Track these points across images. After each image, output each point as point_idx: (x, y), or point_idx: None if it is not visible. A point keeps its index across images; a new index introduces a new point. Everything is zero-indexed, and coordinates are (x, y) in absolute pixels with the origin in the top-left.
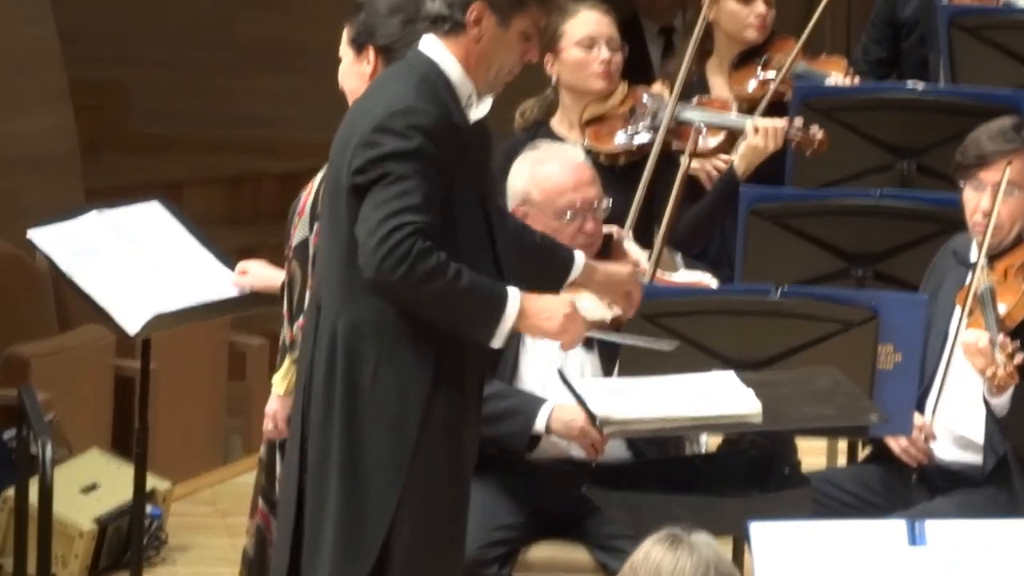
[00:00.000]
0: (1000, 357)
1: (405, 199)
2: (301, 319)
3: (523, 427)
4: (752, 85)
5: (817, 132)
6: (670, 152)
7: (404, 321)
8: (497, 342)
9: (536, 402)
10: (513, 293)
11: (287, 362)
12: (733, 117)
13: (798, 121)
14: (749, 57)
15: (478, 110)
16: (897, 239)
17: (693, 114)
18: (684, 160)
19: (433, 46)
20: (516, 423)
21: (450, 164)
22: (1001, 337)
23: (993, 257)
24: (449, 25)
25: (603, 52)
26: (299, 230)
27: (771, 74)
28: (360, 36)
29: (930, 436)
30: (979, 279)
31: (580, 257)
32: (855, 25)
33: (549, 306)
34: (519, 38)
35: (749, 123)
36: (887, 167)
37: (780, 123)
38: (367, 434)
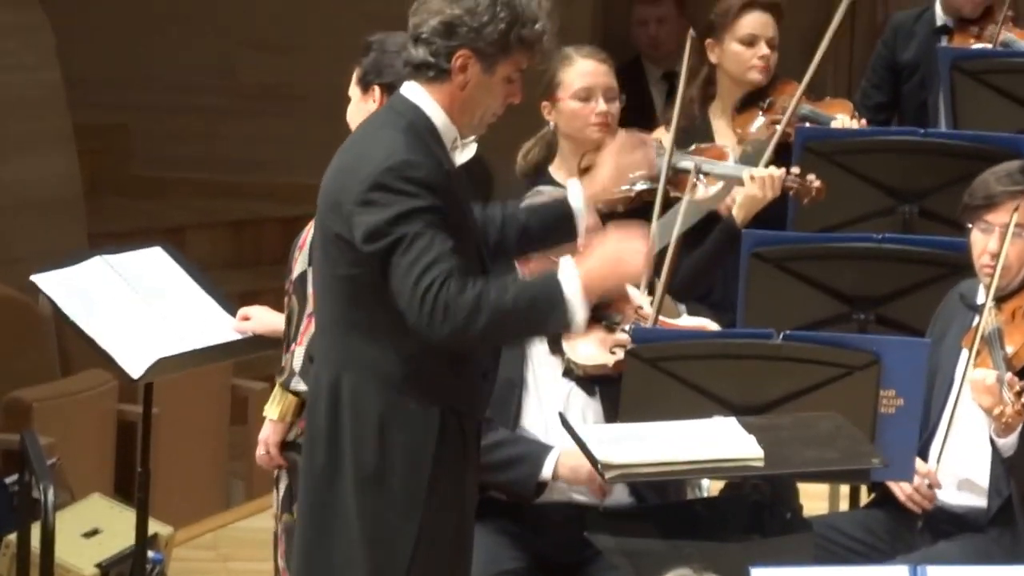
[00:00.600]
0: (1008, 396)
1: (425, 257)
2: (293, 345)
3: (530, 474)
4: (756, 128)
5: (814, 181)
6: (668, 200)
7: (406, 372)
8: (580, 320)
9: (543, 449)
10: (565, 265)
11: (277, 387)
12: (731, 166)
13: (795, 169)
14: (752, 100)
15: (463, 154)
16: (899, 283)
17: (691, 163)
18: (683, 207)
19: (416, 92)
20: (523, 470)
21: (449, 211)
22: (1009, 375)
23: (1001, 299)
24: (434, 72)
25: (600, 104)
26: (299, 264)
27: (775, 117)
28: (367, 75)
29: (935, 484)
30: (986, 320)
31: (574, 196)
32: (856, 70)
33: (599, 259)
34: (503, 82)
35: (746, 172)
36: (889, 211)
37: (777, 173)
38: (381, 485)
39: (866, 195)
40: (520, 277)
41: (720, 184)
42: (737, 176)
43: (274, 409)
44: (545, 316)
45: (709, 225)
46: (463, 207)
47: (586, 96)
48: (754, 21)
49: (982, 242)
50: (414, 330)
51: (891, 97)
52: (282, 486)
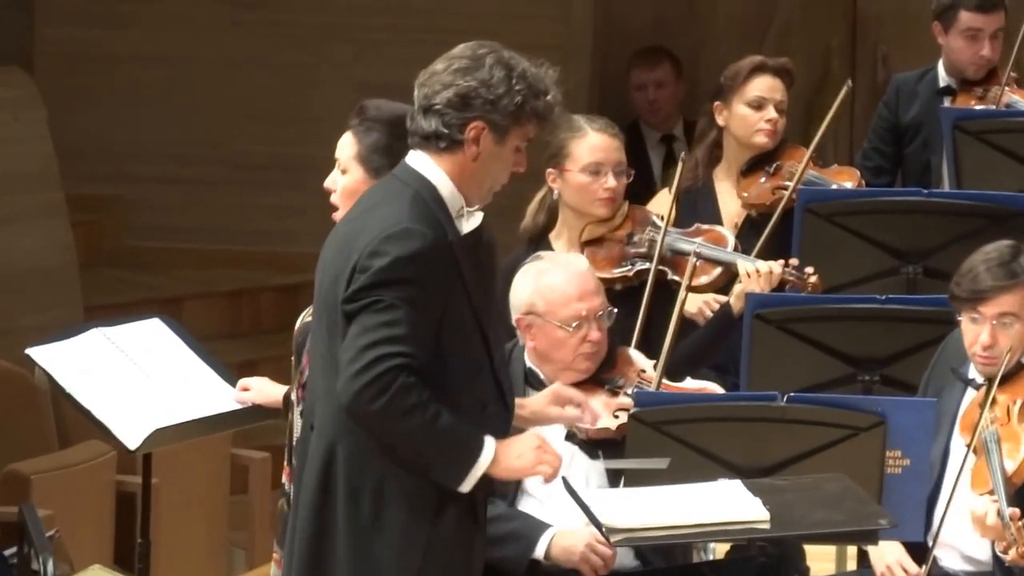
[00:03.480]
0: (1013, 534)
1: (393, 329)
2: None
3: (523, 552)
4: (760, 191)
5: (811, 276)
6: (665, 280)
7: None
8: (466, 487)
9: (539, 527)
10: (489, 441)
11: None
12: (728, 253)
13: (794, 260)
14: (758, 164)
15: (469, 222)
16: (903, 343)
17: (690, 247)
18: (682, 292)
19: (423, 162)
20: (517, 547)
21: (445, 287)
22: (1011, 510)
23: (1000, 381)
24: (445, 143)
25: (609, 180)
26: None
27: (780, 182)
28: (373, 159)
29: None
30: (984, 425)
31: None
32: (857, 128)
33: (518, 446)
34: (512, 152)
35: (742, 265)
36: (893, 271)
37: (776, 268)
38: (369, 558)
39: (869, 256)
40: (454, 421)
41: (718, 270)
42: (733, 263)
43: None
44: (448, 464)
45: None
46: (467, 276)
47: (596, 171)
48: (763, 84)
49: (973, 333)
50: (338, 384)
51: (893, 160)
52: None
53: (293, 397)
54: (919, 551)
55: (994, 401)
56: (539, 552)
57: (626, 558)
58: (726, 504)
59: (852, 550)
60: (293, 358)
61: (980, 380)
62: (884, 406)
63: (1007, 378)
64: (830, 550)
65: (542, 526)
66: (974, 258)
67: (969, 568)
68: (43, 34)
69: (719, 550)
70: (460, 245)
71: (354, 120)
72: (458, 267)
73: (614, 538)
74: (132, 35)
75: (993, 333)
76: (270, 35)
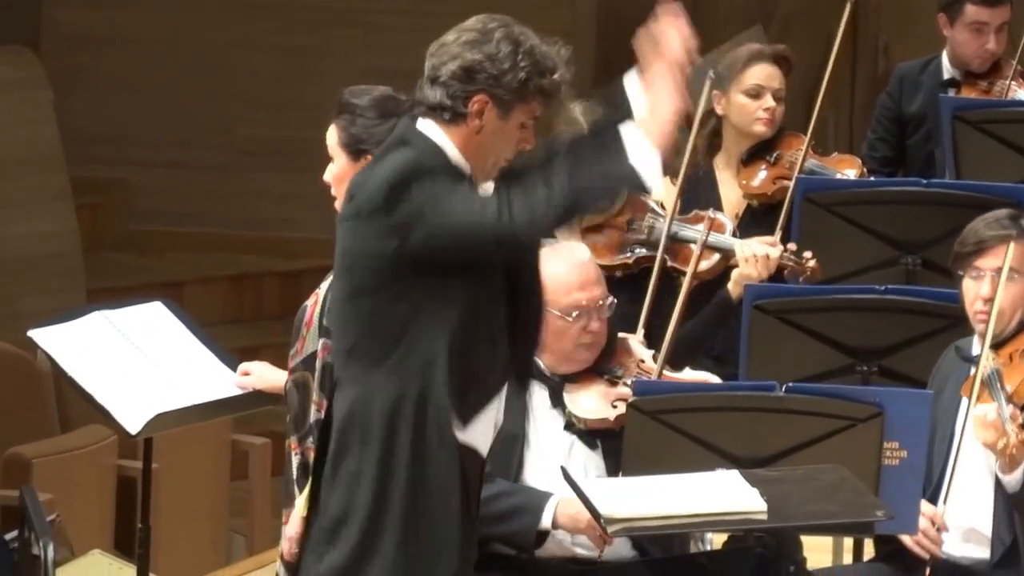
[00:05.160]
0: (1011, 428)
1: (471, 199)
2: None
3: (530, 524)
4: (761, 181)
5: (810, 260)
6: (664, 267)
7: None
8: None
9: (542, 497)
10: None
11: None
12: (727, 239)
13: (792, 246)
14: (759, 153)
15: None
16: (902, 335)
17: (689, 234)
18: (686, 281)
19: (431, 129)
20: (523, 520)
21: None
22: (1011, 408)
23: (996, 346)
24: (449, 115)
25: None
26: (308, 343)
27: (780, 171)
28: (355, 142)
29: (942, 527)
30: (984, 365)
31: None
32: (858, 118)
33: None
34: (517, 128)
35: (739, 250)
36: (892, 262)
37: (774, 253)
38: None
39: (868, 246)
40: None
41: (716, 256)
42: (731, 248)
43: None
44: (618, 183)
45: (706, 296)
46: None
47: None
48: (760, 73)
49: (974, 289)
50: (504, 239)
51: (897, 150)
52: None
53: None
54: None
55: (996, 355)
56: (546, 522)
57: (624, 548)
58: (723, 495)
59: (848, 542)
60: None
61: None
62: (882, 397)
63: (1008, 339)
64: (827, 541)
65: (545, 496)
66: (974, 221)
67: (972, 553)
68: (50, 15)
69: (716, 540)
70: None
71: (335, 110)
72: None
73: (612, 528)
74: (138, 18)
75: (994, 285)
76: (276, 20)
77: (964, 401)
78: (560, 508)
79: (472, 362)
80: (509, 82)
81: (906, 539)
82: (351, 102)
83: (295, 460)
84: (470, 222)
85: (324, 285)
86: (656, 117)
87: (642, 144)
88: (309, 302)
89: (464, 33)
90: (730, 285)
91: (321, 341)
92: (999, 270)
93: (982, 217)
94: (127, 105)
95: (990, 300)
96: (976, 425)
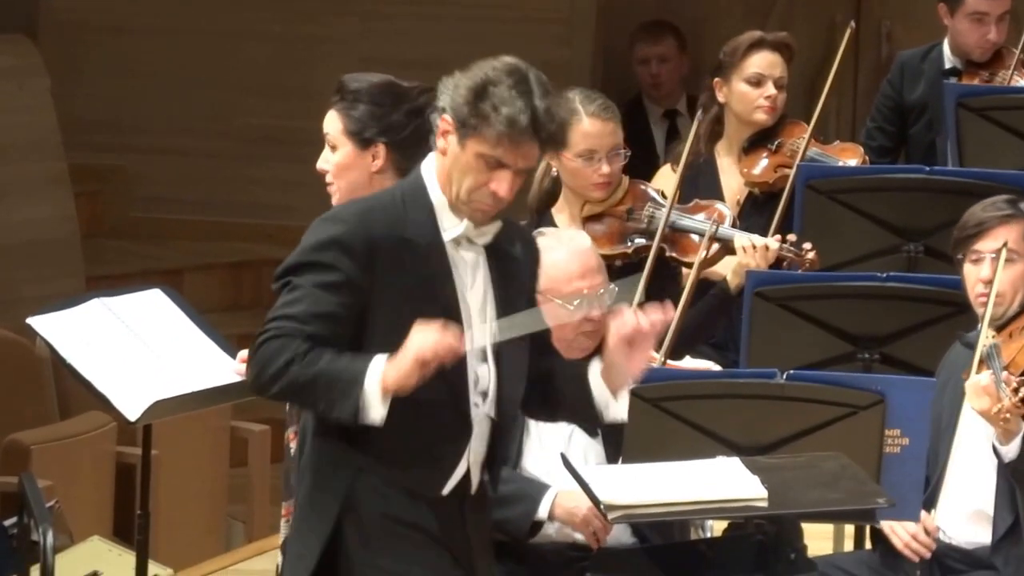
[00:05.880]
0: (1006, 392)
1: (286, 308)
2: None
3: (526, 513)
4: (760, 170)
5: (809, 252)
6: (664, 257)
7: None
8: (375, 417)
9: (540, 488)
10: (371, 367)
11: None
12: (727, 229)
13: (792, 236)
14: (760, 141)
15: (454, 230)
16: (904, 322)
17: (689, 223)
18: (693, 271)
19: (428, 163)
20: (519, 508)
21: (367, 283)
22: (1005, 374)
23: (998, 328)
24: (432, 136)
25: (603, 166)
26: None
27: (781, 159)
28: (364, 130)
29: (932, 532)
30: (983, 342)
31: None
32: (861, 106)
33: (402, 357)
34: (477, 161)
35: (738, 240)
36: (894, 249)
37: (772, 243)
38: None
39: (870, 234)
40: (334, 357)
41: (715, 246)
42: (730, 238)
43: None
44: (337, 401)
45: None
46: (440, 281)
47: (589, 157)
48: (761, 61)
49: (974, 272)
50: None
51: (897, 138)
52: None
53: None
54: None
55: (996, 334)
56: (542, 512)
57: (623, 535)
58: (724, 482)
59: (849, 529)
60: None
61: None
62: (883, 385)
63: (1009, 322)
64: (828, 528)
65: (543, 487)
66: (973, 207)
67: (974, 537)
68: (48, 3)
69: (716, 527)
70: (432, 247)
71: (335, 96)
72: (407, 266)
73: (612, 515)
74: (137, 6)
75: (993, 267)
76: (275, 8)
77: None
78: (558, 500)
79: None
80: (460, 104)
81: (896, 542)
82: (351, 88)
83: (292, 449)
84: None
85: None
86: (399, 369)
87: (375, 394)
88: None
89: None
90: (728, 275)
91: None
92: (998, 251)
93: (980, 203)
94: (126, 93)
95: (990, 282)
96: (970, 393)
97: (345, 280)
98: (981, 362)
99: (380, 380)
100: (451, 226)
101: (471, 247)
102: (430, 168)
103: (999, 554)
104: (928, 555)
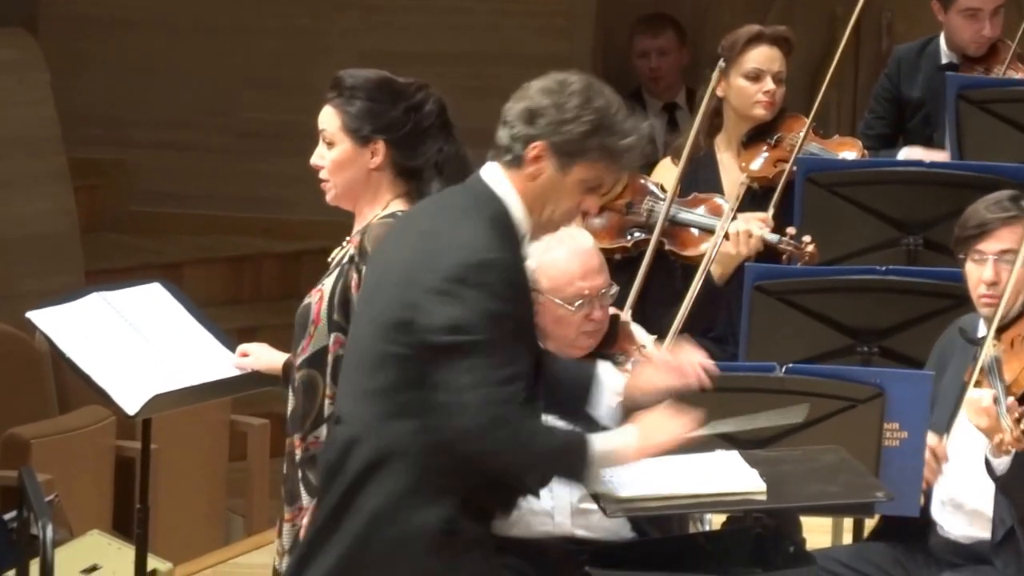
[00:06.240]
0: (1007, 422)
1: (504, 370)
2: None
3: None
4: (758, 165)
5: (808, 245)
6: (663, 250)
7: (431, 453)
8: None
9: None
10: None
11: None
12: (708, 218)
13: (791, 230)
14: (760, 135)
15: (528, 247)
16: (903, 315)
17: (688, 217)
18: (702, 267)
19: (495, 176)
20: None
21: (525, 304)
22: (1010, 400)
23: (1000, 328)
24: (510, 157)
25: None
26: (315, 340)
27: (780, 154)
28: (364, 127)
29: (943, 458)
30: (986, 351)
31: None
32: (861, 98)
33: (644, 438)
34: (578, 186)
35: (720, 228)
36: (893, 243)
37: (755, 230)
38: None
39: (870, 227)
40: (578, 433)
41: (714, 240)
42: (713, 228)
43: None
44: (569, 471)
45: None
46: (530, 300)
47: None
48: (760, 56)
49: (976, 272)
50: (456, 431)
51: (894, 129)
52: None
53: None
54: (922, 521)
55: (998, 340)
56: None
57: (622, 529)
58: (723, 475)
59: (848, 522)
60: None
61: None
62: (882, 378)
63: (1012, 321)
64: (826, 522)
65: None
66: (975, 203)
67: (971, 532)
68: None
69: (715, 521)
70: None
71: (332, 93)
72: (528, 291)
73: (611, 509)
74: (137, 0)
75: (996, 269)
76: (275, 2)
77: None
78: None
79: None
80: (569, 132)
81: None
82: (348, 84)
83: (298, 455)
84: (467, 388)
85: (328, 281)
86: (642, 444)
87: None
88: (312, 299)
89: (546, 80)
90: (712, 265)
91: (333, 335)
92: (1001, 253)
93: (983, 199)
94: (126, 87)
95: (993, 284)
96: (969, 408)
97: (518, 323)
98: (982, 371)
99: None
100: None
101: None
102: (504, 186)
103: (999, 557)
104: (934, 480)
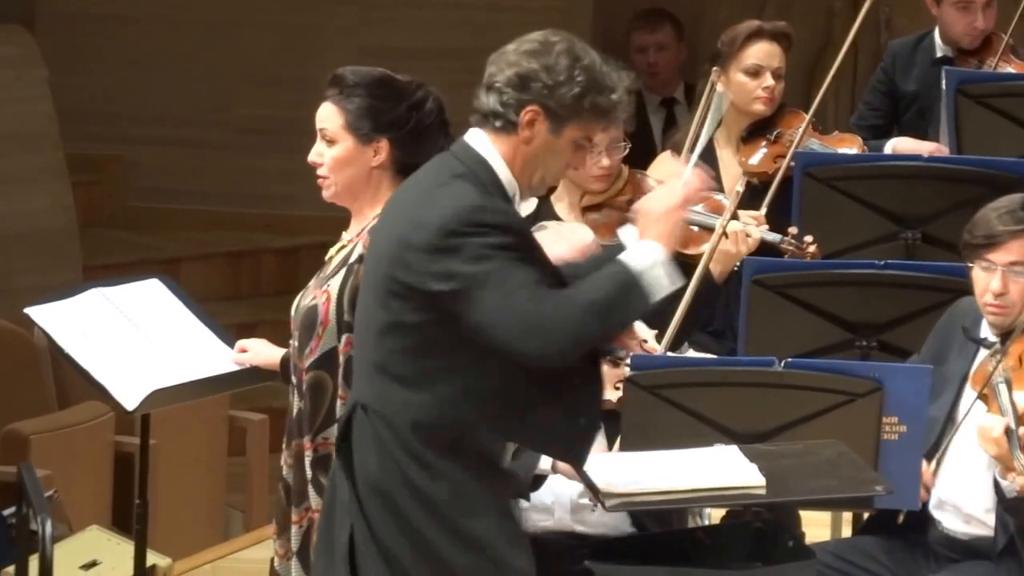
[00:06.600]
0: (1021, 463)
1: (515, 288)
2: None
3: (527, 465)
4: (760, 159)
5: (810, 245)
6: None
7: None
8: (667, 284)
9: None
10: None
11: None
12: (710, 216)
13: (793, 229)
14: (759, 131)
15: (523, 208)
16: (902, 309)
17: (687, 215)
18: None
19: (481, 142)
20: (520, 464)
21: (527, 250)
22: (1021, 431)
23: (1005, 334)
24: (501, 123)
25: (603, 159)
26: (324, 341)
27: (780, 150)
28: (367, 125)
29: (929, 485)
30: (995, 367)
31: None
32: (860, 92)
33: (655, 220)
34: (569, 146)
35: (719, 226)
36: (891, 237)
37: (755, 232)
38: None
39: (868, 221)
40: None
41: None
42: (712, 226)
43: None
44: (638, 297)
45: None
46: (539, 249)
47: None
48: (759, 52)
49: (984, 281)
50: (521, 356)
51: (887, 120)
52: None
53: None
54: (920, 515)
55: (1006, 352)
56: (544, 464)
57: (622, 523)
58: (722, 470)
59: (847, 516)
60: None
61: (992, 338)
62: (881, 372)
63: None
64: (825, 516)
65: None
66: (986, 208)
67: (970, 530)
68: None
69: (715, 515)
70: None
71: (332, 90)
72: (531, 239)
73: (610, 503)
74: None
75: (1004, 280)
76: None
77: (969, 388)
78: None
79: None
80: (563, 95)
81: None
82: (351, 82)
83: (309, 456)
84: (499, 321)
85: (335, 282)
86: (654, 216)
87: (656, 266)
88: (319, 300)
89: (525, 43)
90: (711, 264)
91: (344, 336)
92: (1011, 265)
93: (993, 205)
94: (124, 83)
95: (1001, 295)
96: (980, 436)
97: (520, 252)
98: (990, 388)
99: (658, 250)
100: (523, 207)
101: None
102: (489, 149)
103: (1002, 564)
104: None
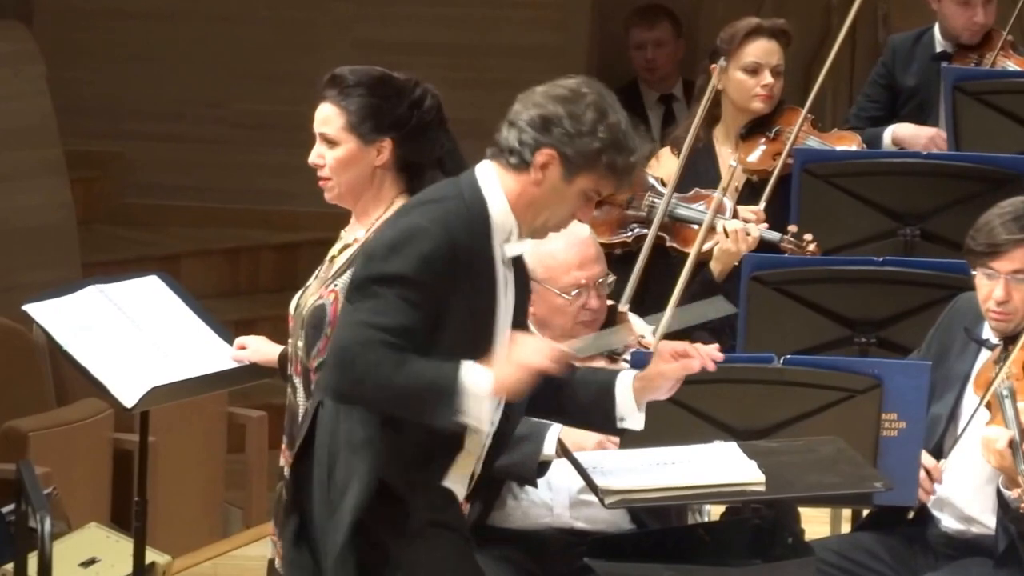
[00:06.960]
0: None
1: (371, 316)
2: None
3: (532, 452)
4: (759, 156)
5: (810, 243)
6: (664, 246)
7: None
8: (479, 418)
9: (543, 426)
10: (467, 366)
11: None
12: (709, 213)
13: (792, 227)
14: (758, 128)
15: (515, 247)
16: (901, 306)
17: (688, 213)
18: (690, 261)
19: (488, 175)
20: (525, 449)
21: (445, 293)
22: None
23: (1008, 340)
24: (516, 160)
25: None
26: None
27: (778, 147)
28: (370, 125)
29: (937, 479)
30: (997, 374)
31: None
32: (857, 89)
33: (508, 363)
34: (578, 195)
35: (719, 225)
36: (890, 233)
37: (753, 230)
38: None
39: (866, 218)
40: (425, 362)
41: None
42: (713, 224)
43: None
44: (434, 406)
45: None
46: (489, 293)
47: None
48: (758, 49)
49: (987, 287)
50: (332, 351)
51: (886, 113)
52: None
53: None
54: (919, 512)
55: (1010, 361)
56: (548, 449)
57: (621, 520)
58: (721, 466)
59: (847, 512)
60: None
61: (995, 340)
62: (880, 369)
63: (1017, 337)
64: (824, 512)
65: (546, 425)
66: (990, 213)
67: (970, 529)
68: None
69: (714, 512)
70: (491, 263)
71: (331, 90)
72: (478, 281)
73: (609, 500)
74: None
75: (1007, 288)
76: None
77: (971, 389)
78: (562, 436)
79: None
80: (583, 145)
81: None
82: (350, 82)
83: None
84: (339, 336)
85: (342, 282)
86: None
87: (477, 395)
88: (327, 300)
89: (556, 88)
90: (712, 262)
91: None
92: (1014, 273)
93: (997, 210)
94: (122, 79)
95: (1004, 302)
96: (984, 447)
97: (430, 297)
98: (994, 397)
99: (488, 384)
100: (511, 244)
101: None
102: (493, 184)
103: (1003, 567)
104: (927, 499)
